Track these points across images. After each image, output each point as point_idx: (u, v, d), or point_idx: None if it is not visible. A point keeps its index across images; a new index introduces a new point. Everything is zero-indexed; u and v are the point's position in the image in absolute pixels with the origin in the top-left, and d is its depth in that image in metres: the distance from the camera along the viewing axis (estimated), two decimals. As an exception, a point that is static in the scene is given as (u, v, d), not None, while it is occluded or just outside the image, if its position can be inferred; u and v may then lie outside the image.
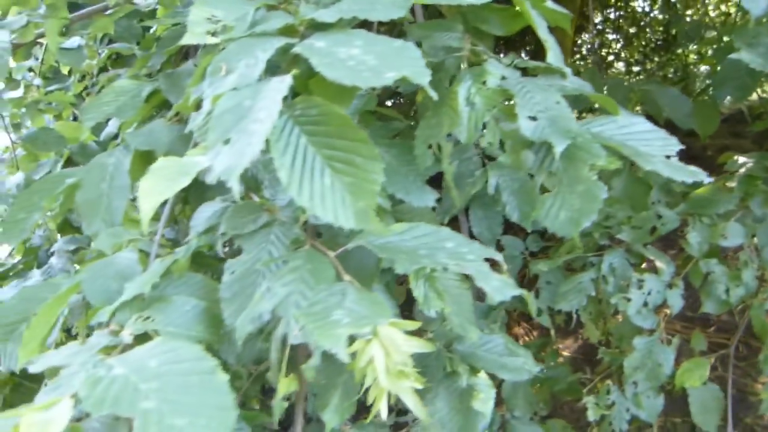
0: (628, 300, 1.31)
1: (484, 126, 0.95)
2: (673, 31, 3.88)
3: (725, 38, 1.87)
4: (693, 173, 0.85)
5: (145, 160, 1.02)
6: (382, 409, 0.75)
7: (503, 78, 0.91)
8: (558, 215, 0.85)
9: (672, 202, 1.38)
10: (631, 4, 4.16)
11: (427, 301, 0.94)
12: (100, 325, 0.78)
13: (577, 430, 1.53)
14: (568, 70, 0.96)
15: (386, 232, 0.74)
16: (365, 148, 0.69)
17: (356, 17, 0.82)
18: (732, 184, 1.34)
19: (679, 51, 4.11)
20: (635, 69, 4.40)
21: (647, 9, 4.19)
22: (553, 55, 0.96)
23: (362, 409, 0.89)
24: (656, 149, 0.87)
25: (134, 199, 1.12)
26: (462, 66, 0.97)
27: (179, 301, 0.76)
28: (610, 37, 4.51)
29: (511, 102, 0.89)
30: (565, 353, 2.77)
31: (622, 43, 4.49)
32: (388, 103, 2.37)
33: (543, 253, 1.57)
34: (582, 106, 1.50)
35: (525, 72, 0.98)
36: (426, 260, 0.72)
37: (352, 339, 0.75)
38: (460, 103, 0.88)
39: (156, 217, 0.98)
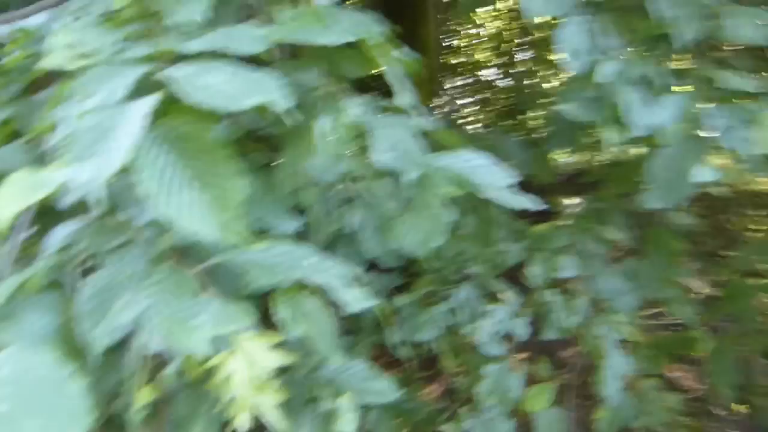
0: (479, 330, 1.41)
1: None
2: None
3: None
4: (526, 202, 0.96)
5: (-3, 182, 0.97)
6: (242, 422, 0.76)
7: (358, 116, 0.99)
8: (411, 237, 0.93)
9: (516, 239, 1.52)
10: (477, 74, 4.57)
11: (291, 323, 0.97)
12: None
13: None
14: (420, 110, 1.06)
15: (249, 243, 0.77)
16: (230, 165, 0.73)
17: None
18: (567, 222, 1.51)
19: (521, 117, 4.55)
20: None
21: (494, 78, 4.61)
22: (404, 97, 1.05)
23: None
24: (496, 180, 0.98)
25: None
26: (320, 103, 1.04)
27: (32, 317, 0.74)
28: (463, 102, 4.88)
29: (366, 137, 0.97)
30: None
31: (474, 108, 4.86)
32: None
33: (405, 290, 1.65)
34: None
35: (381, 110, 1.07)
36: (286, 274, 0.75)
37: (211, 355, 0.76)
38: (316, 138, 0.94)
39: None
